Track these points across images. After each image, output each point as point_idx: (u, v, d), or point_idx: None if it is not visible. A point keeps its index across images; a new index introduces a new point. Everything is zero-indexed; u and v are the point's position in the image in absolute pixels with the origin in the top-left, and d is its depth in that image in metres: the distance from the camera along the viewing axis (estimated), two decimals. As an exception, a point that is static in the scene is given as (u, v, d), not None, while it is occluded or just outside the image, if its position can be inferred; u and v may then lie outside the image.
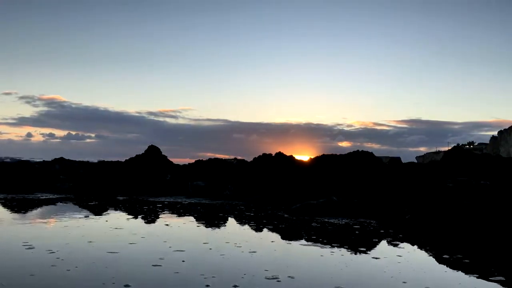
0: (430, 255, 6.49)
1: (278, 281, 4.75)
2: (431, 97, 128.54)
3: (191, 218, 10.14)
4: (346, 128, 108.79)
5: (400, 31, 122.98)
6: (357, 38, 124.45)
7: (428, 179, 13.01)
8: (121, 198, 14.40)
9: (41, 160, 23.03)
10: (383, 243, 7.44)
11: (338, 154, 16.01)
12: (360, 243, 7.36)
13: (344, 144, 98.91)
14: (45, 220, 9.25)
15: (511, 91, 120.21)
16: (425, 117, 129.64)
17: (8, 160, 30.96)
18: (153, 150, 19.38)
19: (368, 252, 6.52)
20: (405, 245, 7.33)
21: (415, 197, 11.13)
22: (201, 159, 18.81)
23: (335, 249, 6.62)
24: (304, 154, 17.12)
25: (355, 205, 11.20)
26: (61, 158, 21.43)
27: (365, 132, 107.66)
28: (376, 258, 5.92)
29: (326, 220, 9.93)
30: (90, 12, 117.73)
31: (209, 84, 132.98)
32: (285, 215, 10.69)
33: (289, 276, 4.93)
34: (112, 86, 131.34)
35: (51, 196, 14.35)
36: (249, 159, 18.45)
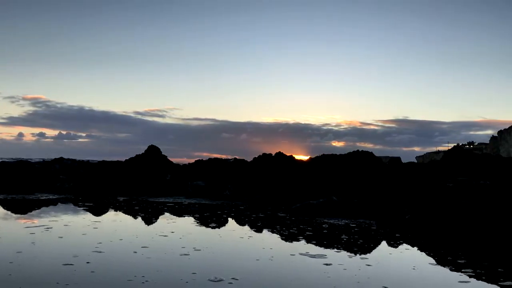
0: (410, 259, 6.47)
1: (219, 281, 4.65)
2: (417, 97, 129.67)
3: (181, 220, 10.08)
4: (334, 128, 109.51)
5: (387, 32, 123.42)
6: (343, 39, 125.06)
7: (428, 179, 13.00)
8: (121, 198, 14.40)
9: (41, 159, 23.04)
10: (362, 244, 7.45)
11: (337, 154, 15.99)
12: (336, 243, 7.32)
13: (337, 144, 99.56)
14: (33, 221, 9.23)
15: (498, 91, 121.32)
16: (412, 116, 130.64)
17: (10, 159, 30.93)
18: (153, 150, 19.36)
19: (338, 254, 6.45)
20: (385, 247, 7.33)
21: (415, 197, 11.12)
22: (200, 159, 18.86)
23: (309, 251, 6.55)
24: (297, 153, 17.15)
25: (355, 205, 11.20)
26: (61, 158, 21.41)
27: (354, 132, 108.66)
28: (340, 264, 5.75)
29: (326, 220, 9.92)
30: (73, 11, 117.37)
31: (194, 84, 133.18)
32: (286, 216, 10.67)
33: (233, 278, 4.83)
34: (95, 85, 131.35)
35: (51, 197, 14.35)
36: (241, 158, 18.70)
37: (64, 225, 8.51)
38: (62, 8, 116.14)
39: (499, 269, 5.71)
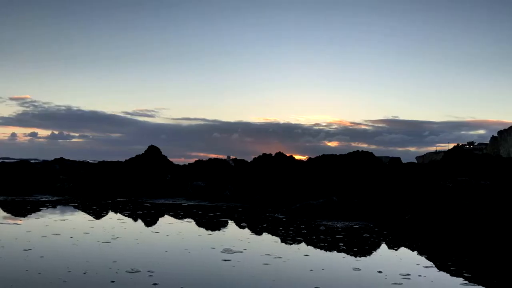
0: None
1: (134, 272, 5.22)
2: (406, 97, 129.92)
3: (170, 226, 10.10)
4: (325, 128, 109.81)
5: (376, 32, 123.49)
6: (332, 40, 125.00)
7: (428, 179, 12.99)
8: (121, 199, 14.37)
9: (39, 159, 23.06)
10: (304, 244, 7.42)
11: (337, 154, 16.00)
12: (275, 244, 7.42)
13: (332, 144, 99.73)
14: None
15: (488, 91, 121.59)
16: (401, 116, 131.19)
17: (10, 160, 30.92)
18: (153, 150, 19.34)
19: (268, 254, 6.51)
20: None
21: (415, 197, 11.11)
22: (198, 159, 18.90)
23: (233, 247, 6.80)
24: (291, 153, 17.24)
25: (355, 205, 11.18)
26: (61, 158, 21.44)
27: (345, 132, 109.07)
28: (238, 262, 5.95)
29: (325, 223, 9.87)
30: (57, 11, 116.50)
31: (181, 83, 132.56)
32: (283, 218, 10.63)
33: (149, 270, 5.35)
34: (80, 85, 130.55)
35: (50, 198, 14.33)
36: (234, 158, 18.75)
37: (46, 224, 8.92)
38: (46, 8, 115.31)
39: (465, 273, 5.68)
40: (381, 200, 11.67)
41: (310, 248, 7.12)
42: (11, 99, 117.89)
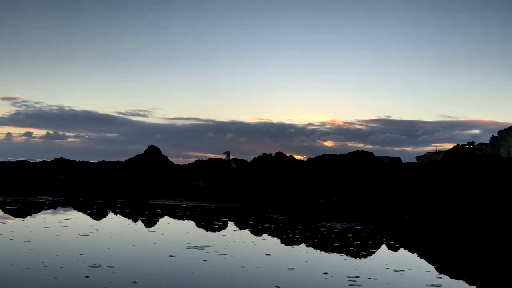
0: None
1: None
2: (399, 97, 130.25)
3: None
4: (319, 128, 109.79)
5: (369, 32, 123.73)
6: (325, 40, 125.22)
7: (428, 179, 12.99)
8: (120, 200, 14.36)
9: (39, 160, 23.10)
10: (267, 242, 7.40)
11: (337, 154, 16.03)
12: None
13: (328, 143, 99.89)
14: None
15: (481, 91, 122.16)
16: (394, 116, 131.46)
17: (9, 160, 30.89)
18: (153, 150, 19.33)
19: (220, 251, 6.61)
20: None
21: (415, 197, 11.11)
22: (198, 159, 18.90)
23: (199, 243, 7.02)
24: (288, 153, 17.30)
25: (355, 206, 11.18)
26: (61, 158, 21.41)
27: (340, 131, 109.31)
28: (181, 257, 6.17)
29: (324, 224, 9.87)
30: (47, 10, 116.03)
31: (173, 83, 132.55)
32: (282, 219, 10.61)
33: (109, 266, 5.59)
34: (71, 85, 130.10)
35: (50, 199, 14.33)
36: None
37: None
38: (35, 8, 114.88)
39: (439, 276, 5.63)
40: (381, 200, 11.67)
41: (281, 247, 7.26)
42: (3, 99, 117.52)
